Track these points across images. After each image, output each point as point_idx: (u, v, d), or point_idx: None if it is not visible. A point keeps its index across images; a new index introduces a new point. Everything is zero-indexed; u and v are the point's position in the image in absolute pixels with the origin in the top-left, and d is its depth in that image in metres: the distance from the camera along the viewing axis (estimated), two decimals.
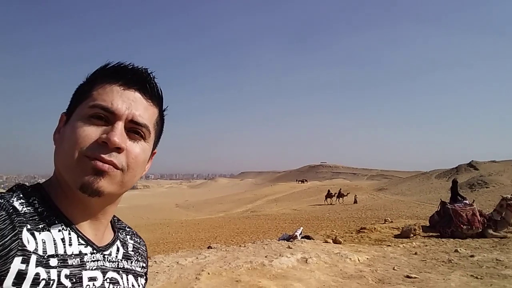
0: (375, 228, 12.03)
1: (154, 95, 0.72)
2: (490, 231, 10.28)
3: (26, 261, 0.55)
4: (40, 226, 0.61)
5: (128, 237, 0.82)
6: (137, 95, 0.69)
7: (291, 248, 7.72)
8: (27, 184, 0.71)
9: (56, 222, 0.63)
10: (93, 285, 0.64)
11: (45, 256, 0.58)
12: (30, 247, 0.57)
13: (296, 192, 55.22)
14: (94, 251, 0.68)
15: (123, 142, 0.64)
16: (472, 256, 7.43)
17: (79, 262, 0.63)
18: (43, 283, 0.56)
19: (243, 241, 13.25)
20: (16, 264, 0.54)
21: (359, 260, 6.99)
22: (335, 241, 9.60)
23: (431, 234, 11.07)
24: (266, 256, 6.77)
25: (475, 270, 6.22)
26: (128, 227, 0.86)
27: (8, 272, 0.53)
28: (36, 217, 0.62)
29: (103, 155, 0.62)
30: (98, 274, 0.66)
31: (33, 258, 0.56)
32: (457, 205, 11.14)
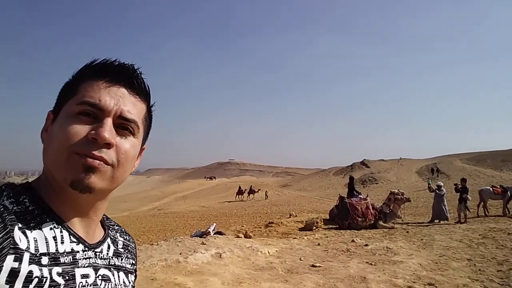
0: (281, 222, 12.66)
1: (141, 91, 0.72)
2: (381, 223, 11.57)
3: (18, 259, 0.55)
4: (32, 224, 0.60)
5: (117, 234, 0.82)
6: (124, 91, 0.69)
7: (205, 244, 7.76)
8: (16, 183, 0.69)
9: (48, 220, 0.63)
10: (86, 282, 0.64)
11: (37, 254, 0.58)
12: (22, 245, 0.56)
13: (205, 189, 55.22)
14: (86, 249, 0.67)
15: (112, 138, 0.64)
16: (366, 245, 8.29)
17: (71, 260, 0.63)
18: (36, 280, 0.55)
19: (150, 240, 12.87)
20: (9, 262, 0.54)
21: (269, 253, 7.33)
22: (246, 236, 9.90)
23: (331, 226, 12.06)
24: (180, 253, 6.71)
25: (370, 258, 6.96)
26: (117, 225, 0.86)
27: (1, 270, 0.53)
28: (27, 215, 0.61)
29: (93, 152, 0.62)
30: (90, 271, 0.66)
31: (26, 256, 0.56)
32: (354, 200, 12.31)
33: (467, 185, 12.80)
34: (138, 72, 0.71)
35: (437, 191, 12.79)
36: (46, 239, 0.60)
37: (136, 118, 0.69)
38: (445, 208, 12.39)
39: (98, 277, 0.67)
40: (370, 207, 11.85)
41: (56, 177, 0.63)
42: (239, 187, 37.48)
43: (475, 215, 13.36)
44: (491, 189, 14.11)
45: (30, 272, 0.55)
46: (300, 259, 6.93)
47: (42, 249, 0.59)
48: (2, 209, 0.58)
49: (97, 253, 0.70)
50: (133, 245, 0.85)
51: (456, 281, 5.31)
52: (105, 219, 0.79)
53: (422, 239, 8.95)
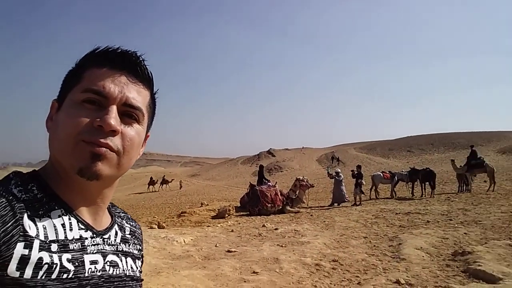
0: (194, 211, 12.67)
1: (145, 78, 0.72)
2: (288, 208, 12.29)
3: (28, 246, 0.56)
4: (40, 212, 0.61)
5: (124, 221, 0.82)
6: (128, 78, 0.69)
7: None
8: (23, 171, 0.68)
9: (56, 208, 0.63)
10: (95, 268, 0.64)
11: (47, 241, 0.58)
12: (32, 232, 0.57)
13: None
14: (94, 235, 0.68)
15: (118, 125, 0.64)
16: (276, 229, 8.78)
17: (80, 247, 0.63)
18: (46, 267, 0.56)
19: None
20: (19, 250, 0.55)
21: (184, 242, 7.35)
22: (160, 226, 9.73)
23: (242, 213, 12.45)
24: None
25: (280, 240, 7.42)
26: (123, 212, 0.86)
27: (11, 258, 0.54)
28: (36, 203, 0.61)
29: (99, 139, 0.62)
30: (99, 257, 0.66)
31: (36, 243, 0.57)
32: (263, 187, 12.85)
33: (362, 171, 14.21)
34: (141, 59, 0.71)
35: (336, 177, 13.95)
36: (55, 226, 0.61)
37: (141, 105, 0.69)
38: (343, 193, 13.63)
39: (106, 263, 0.68)
40: (279, 193, 12.51)
41: (63, 165, 0.64)
42: (151, 178, 36.25)
43: (368, 198, 14.92)
44: (381, 174, 15.88)
45: (40, 258, 0.56)
46: (215, 246, 7.10)
47: (52, 236, 0.60)
48: (11, 197, 0.59)
49: (105, 240, 0.71)
50: (139, 231, 0.86)
51: (356, 256, 5.97)
52: (111, 206, 0.80)
53: (324, 221, 9.77)
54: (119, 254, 0.73)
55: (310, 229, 8.61)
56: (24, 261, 0.55)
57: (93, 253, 0.65)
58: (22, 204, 0.59)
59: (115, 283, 0.68)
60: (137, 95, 0.69)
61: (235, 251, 6.55)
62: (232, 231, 8.93)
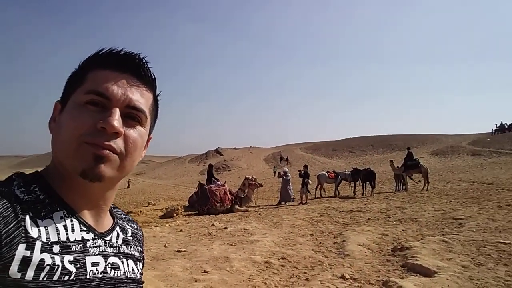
0: (141, 211, 12.34)
1: (148, 80, 0.72)
2: (237, 207, 12.40)
3: (30, 247, 0.56)
4: (42, 213, 0.61)
5: (125, 223, 0.82)
6: (131, 81, 0.69)
7: None
8: (25, 172, 0.67)
9: (58, 209, 0.63)
10: (96, 270, 0.64)
11: (49, 243, 0.58)
12: (34, 234, 0.57)
13: None
14: (96, 237, 0.68)
15: (121, 127, 0.64)
16: (226, 228, 8.83)
17: (81, 248, 0.63)
18: (47, 268, 0.56)
19: None
20: (21, 251, 0.54)
21: None
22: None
23: (190, 212, 12.35)
24: None
25: (230, 239, 7.47)
26: (124, 214, 0.85)
27: (13, 259, 0.54)
28: (38, 205, 0.61)
29: (102, 141, 0.62)
30: (100, 259, 0.67)
31: (38, 245, 0.57)
32: (213, 186, 12.83)
33: (308, 171, 14.68)
34: (145, 61, 0.71)
35: (283, 176, 14.30)
36: (56, 227, 0.61)
37: (143, 107, 0.69)
38: (291, 192, 14.00)
39: (108, 265, 0.68)
40: (228, 192, 12.56)
41: (66, 166, 0.64)
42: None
43: (313, 197, 15.43)
44: (326, 174, 16.50)
45: (42, 260, 0.56)
46: (164, 246, 6.99)
47: (53, 237, 0.60)
48: (13, 198, 0.58)
49: (107, 242, 0.71)
50: (140, 233, 0.86)
51: (303, 253, 6.18)
52: (112, 208, 0.80)
53: (272, 220, 9.98)
54: (121, 256, 0.73)
55: (259, 227, 8.76)
56: (25, 262, 0.54)
57: (94, 255, 0.66)
58: (25, 206, 0.59)
59: (116, 285, 0.68)
60: (140, 97, 0.69)
61: (184, 251, 6.50)
62: (181, 230, 8.84)
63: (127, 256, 0.75)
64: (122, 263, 0.72)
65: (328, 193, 16.57)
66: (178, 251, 6.52)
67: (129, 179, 36.28)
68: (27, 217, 0.58)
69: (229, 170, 44.89)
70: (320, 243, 6.99)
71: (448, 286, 4.15)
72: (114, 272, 0.69)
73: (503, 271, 4.65)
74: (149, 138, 0.76)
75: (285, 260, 5.82)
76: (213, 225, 9.39)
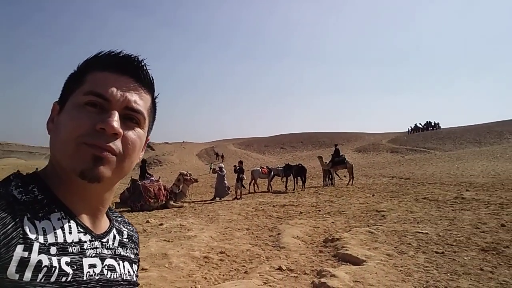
0: None
1: (146, 82, 0.73)
2: (171, 202, 12.21)
3: (28, 248, 0.56)
4: (40, 214, 0.61)
5: (121, 225, 0.83)
6: (130, 83, 0.69)
7: None
8: (23, 173, 0.66)
9: (56, 210, 0.63)
10: (93, 271, 0.65)
11: (46, 244, 0.58)
12: (32, 235, 0.57)
13: None
14: (93, 239, 0.68)
15: (120, 128, 0.64)
16: (161, 224, 8.69)
17: (79, 250, 0.64)
18: (45, 269, 0.56)
19: None
20: (19, 252, 0.54)
21: None
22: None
23: (123, 209, 11.88)
24: None
25: (166, 235, 7.38)
26: (120, 216, 0.85)
27: (11, 260, 0.54)
28: (36, 205, 0.61)
29: (101, 142, 0.63)
30: (97, 261, 0.67)
31: (36, 246, 0.57)
32: (146, 182, 12.49)
33: (243, 166, 14.91)
34: (143, 63, 0.72)
35: (219, 172, 14.38)
36: (54, 229, 0.61)
37: (142, 109, 0.70)
38: (226, 187, 14.12)
39: (104, 266, 0.68)
40: (162, 188, 12.32)
41: (65, 167, 0.64)
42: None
43: (248, 192, 15.73)
44: (260, 169, 16.90)
45: (40, 261, 0.56)
46: None
47: (51, 239, 0.60)
48: (11, 199, 0.59)
49: (104, 243, 0.71)
50: (136, 236, 0.87)
51: (241, 247, 6.34)
52: (108, 210, 0.80)
53: (208, 215, 10.02)
54: (117, 258, 0.73)
55: (196, 223, 8.76)
56: (23, 263, 0.54)
57: (91, 256, 0.66)
58: (22, 206, 0.59)
59: (113, 287, 0.69)
60: (139, 99, 0.70)
61: None
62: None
63: (123, 258, 0.76)
64: (119, 265, 0.73)
65: (262, 188, 16.98)
66: None
67: None
68: (25, 218, 0.58)
69: (161, 165, 43.80)
70: (257, 236, 7.20)
71: (376, 273, 4.55)
72: (111, 274, 0.69)
73: (422, 258, 5.21)
74: (146, 140, 0.77)
75: (223, 254, 5.93)
76: (147, 221, 9.20)
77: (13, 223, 0.56)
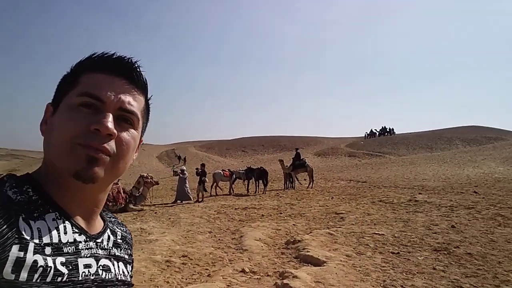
0: None
1: (140, 83, 0.74)
2: (131, 205, 11.92)
3: (23, 248, 0.56)
4: (35, 215, 0.61)
5: (115, 226, 0.83)
6: (124, 84, 0.70)
7: None
8: (16, 174, 0.65)
9: (50, 211, 0.63)
10: (88, 272, 0.65)
11: (41, 244, 0.58)
12: (27, 235, 0.57)
13: None
14: (88, 239, 0.68)
15: (114, 129, 0.65)
16: None
17: (74, 250, 0.64)
18: (40, 270, 0.56)
19: None
20: (14, 252, 0.55)
21: None
22: None
23: None
24: None
25: None
26: (113, 217, 0.85)
27: (7, 260, 0.54)
28: (31, 205, 0.61)
29: (95, 142, 0.63)
30: (92, 261, 0.67)
31: (31, 246, 0.57)
32: None
33: (205, 169, 14.82)
34: (137, 65, 0.73)
35: (180, 175, 14.20)
36: (49, 229, 0.61)
37: (136, 110, 0.71)
38: (187, 190, 13.97)
39: (99, 267, 0.68)
40: (121, 191, 11.99)
41: (59, 168, 0.64)
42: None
43: (209, 195, 15.63)
44: (221, 172, 16.85)
45: (35, 261, 0.56)
46: None
47: (46, 239, 0.60)
48: (5, 199, 0.59)
49: (98, 244, 0.71)
50: (130, 237, 0.87)
51: (203, 250, 6.31)
52: (102, 211, 0.80)
53: (170, 218, 9.87)
54: (112, 259, 0.74)
55: (157, 226, 8.61)
56: (19, 263, 0.55)
57: (86, 256, 0.66)
58: (17, 206, 0.59)
59: (108, 287, 0.69)
60: (132, 100, 0.70)
61: None
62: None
63: (118, 259, 0.76)
64: (113, 265, 0.73)
65: (224, 191, 16.96)
66: None
67: None
68: (20, 218, 0.58)
69: None
70: (219, 239, 7.20)
71: (336, 273, 4.71)
72: (106, 274, 0.70)
73: (379, 258, 5.45)
74: (140, 141, 0.77)
75: (186, 258, 5.89)
76: None
77: (8, 223, 0.56)
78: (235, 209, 11.13)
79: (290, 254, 5.95)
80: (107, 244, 0.75)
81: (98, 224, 0.76)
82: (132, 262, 0.85)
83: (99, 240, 0.72)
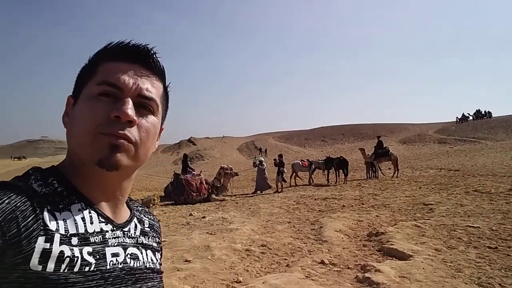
0: None
1: (158, 70, 0.73)
2: (213, 196, 12.43)
3: (49, 240, 0.56)
4: (60, 206, 0.62)
5: (142, 215, 0.83)
6: (142, 71, 0.70)
7: None
8: (42, 167, 0.67)
9: (76, 201, 0.64)
10: (116, 260, 0.65)
11: (68, 235, 0.59)
12: (52, 226, 0.58)
13: (12, 171, 47.32)
14: (114, 228, 0.69)
15: (134, 116, 0.65)
16: (204, 217, 8.85)
17: (101, 239, 0.64)
18: (67, 260, 0.57)
19: None
20: (40, 244, 0.55)
21: None
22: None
23: (167, 202, 12.28)
24: None
25: (209, 228, 7.51)
26: (140, 206, 0.86)
27: (33, 252, 0.55)
28: (56, 197, 0.62)
29: (117, 130, 0.63)
30: (119, 250, 0.67)
31: (57, 237, 0.57)
32: (188, 176, 12.79)
33: (283, 159, 14.85)
34: (153, 52, 0.72)
35: (259, 166, 14.42)
36: (75, 220, 0.62)
37: (155, 96, 0.71)
38: (266, 180, 14.14)
39: (127, 255, 0.69)
40: (204, 182, 12.56)
41: (83, 158, 0.65)
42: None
43: (289, 185, 15.65)
44: (300, 162, 16.77)
45: (62, 252, 0.57)
46: None
47: (72, 230, 0.60)
48: (31, 192, 0.60)
49: (125, 232, 0.72)
50: (157, 225, 0.88)
51: (282, 240, 6.31)
52: (128, 200, 0.81)
53: (250, 208, 10.08)
54: (139, 247, 0.74)
55: (237, 216, 8.84)
56: (46, 254, 0.55)
57: (114, 245, 0.66)
58: (43, 199, 0.60)
59: (136, 275, 0.69)
60: (151, 86, 0.70)
61: (164, 241, 6.48)
62: (159, 220, 8.74)
63: (146, 247, 0.76)
64: (141, 253, 0.73)
65: (303, 181, 16.85)
66: None
67: None
68: (45, 210, 0.59)
69: (202, 160, 44.65)
70: (298, 230, 7.14)
71: (423, 268, 4.36)
72: (134, 263, 0.70)
73: (473, 253, 4.94)
74: (161, 129, 0.77)
75: (265, 247, 5.93)
76: (191, 214, 9.40)
77: (33, 215, 0.57)
78: (315, 199, 10.97)
79: (372, 246, 5.68)
80: (134, 232, 0.75)
81: (125, 213, 0.77)
82: (161, 249, 0.85)
83: (126, 229, 0.73)
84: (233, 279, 4.58)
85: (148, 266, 0.73)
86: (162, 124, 0.77)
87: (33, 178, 0.64)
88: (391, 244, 5.39)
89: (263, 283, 4.25)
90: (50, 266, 0.55)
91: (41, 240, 0.56)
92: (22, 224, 0.55)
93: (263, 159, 15.40)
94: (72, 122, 0.68)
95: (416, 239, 5.74)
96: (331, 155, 18.49)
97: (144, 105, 0.69)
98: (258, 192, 14.02)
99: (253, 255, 5.56)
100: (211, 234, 6.94)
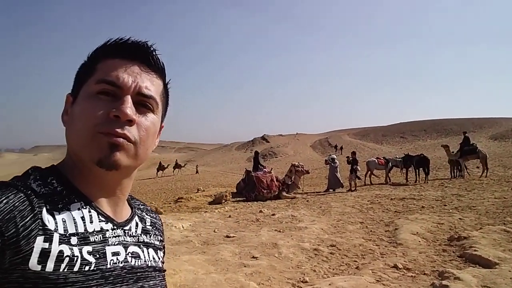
0: (191, 197, 12.73)
1: (157, 67, 0.72)
2: (284, 193, 12.40)
3: (48, 239, 0.56)
4: (60, 205, 0.61)
5: (144, 213, 0.83)
6: (141, 68, 0.69)
7: None
8: (41, 167, 0.68)
9: (75, 200, 0.64)
10: (117, 259, 0.65)
11: (67, 235, 0.59)
12: (51, 226, 0.58)
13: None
14: (115, 227, 0.68)
15: (134, 115, 0.64)
16: (273, 214, 8.86)
17: (101, 238, 0.64)
18: (67, 259, 0.57)
19: None
20: (39, 243, 0.55)
21: (183, 227, 7.39)
22: (157, 212, 9.79)
23: (238, 199, 12.54)
24: None
25: (278, 225, 7.49)
26: (142, 204, 0.86)
27: (32, 251, 0.54)
28: (55, 197, 0.62)
29: (116, 129, 0.63)
30: (120, 248, 0.67)
31: (56, 237, 0.57)
32: (259, 173, 12.92)
33: (356, 157, 14.31)
34: (153, 49, 0.71)
35: (331, 163, 14.07)
36: (74, 219, 0.62)
37: (154, 94, 0.69)
38: (339, 178, 13.76)
39: (128, 254, 0.68)
40: (274, 179, 12.59)
41: (82, 157, 0.64)
42: (160, 163, 36.47)
43: (363, 184, 15.06)
44: (376, 160, 16.02)
45: (61, 251, 0.57)
46: (214, 231, 7.15)
47: (71, 229, 0.60)
48: (29, 192, 0.59)
49: (126, 231, 0.71)
50: (160, 223, 0.87)
51: (353, 241, 6.05)
52: (130, 198, 0.80)
53: (321, 207, 9.87)
54: (141, 245, 0.73)
55: (307, 214, 8.70)
56: (45, 254, 0.55)
57: (114, 244, 0.66)
58: (41, 198, 0.60)
59: (138, 274, 0.68)
60: (150, 84, 0.69)
61: (233, 236, 6.61)
62: (229, 216, 8.99)
63: (147, 245, 0.75)
64: (143, 252, 0.73)
65: (379, 180, 16.10)
66: (227, 236, 6.64)
67: (197, 165, 37.91)
68: (44, 210, 0.59)
69: (275, 157, 44.94)
70: (371, 231, 6.80)
71: (511, 278, 3.87)
72: (135, 261, 0.69)
73: None
74: (161, 127, 0.76)
75: (334, 247, 5.74)
76: (261, 211, 9.46)
77: (31, 215, 0.56)
78: (391, 199, 10.38)
79: (453, 252, 5.19)
80: (135, 231, 0.75)
81: (125, 211, 0.76)
82: (164, 248, 0.84)
83: (126, 228, 0.72)
84: (299, 279, 4.49)
85: (149, 265, 0.73)
86: (162, 121, 0.76)
87: (32, 177, 0.63)
88: (475, 250, 4.87)
89: (329, 284, 4.11)
90: (50, 265, 0.55)
91: (40, 239, 0.56)
92: (21, 224, 0.55)
93: (335, 157, 14.98)
94: (72, 121, 0.67)
95: (504, 245, 5.12)
96: (410, 153, 17.42)
97: (143, 103, 0.68)
98: (330, 190, 13.71)
99: (321, 255, 5.41)
100: (279, 231, 6.91)
